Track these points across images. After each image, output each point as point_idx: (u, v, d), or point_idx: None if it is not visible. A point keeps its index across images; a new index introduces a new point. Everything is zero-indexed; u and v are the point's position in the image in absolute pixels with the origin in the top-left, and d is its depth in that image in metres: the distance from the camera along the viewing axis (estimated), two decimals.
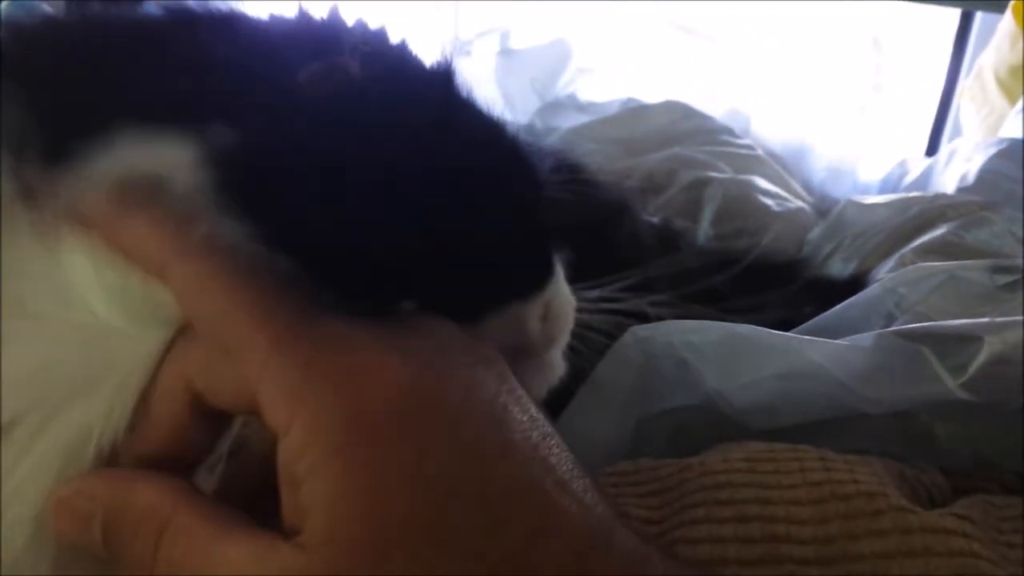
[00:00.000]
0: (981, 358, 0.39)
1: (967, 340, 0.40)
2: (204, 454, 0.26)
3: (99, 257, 0.24)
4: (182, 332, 0.25)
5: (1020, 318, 0.40)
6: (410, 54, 0.30)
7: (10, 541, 0.24)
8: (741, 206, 0.81)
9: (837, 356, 0.41)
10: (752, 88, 1.09)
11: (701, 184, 0.83)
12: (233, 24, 0.28)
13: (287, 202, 0.24)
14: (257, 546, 0.21)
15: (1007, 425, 0.38)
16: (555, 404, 0.29)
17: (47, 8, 0.99)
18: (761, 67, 1.09)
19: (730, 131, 0.98)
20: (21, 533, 0.24)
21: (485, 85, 1.08)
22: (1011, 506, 0.34)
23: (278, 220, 0.23)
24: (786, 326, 0.47)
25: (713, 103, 1.06)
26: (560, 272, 0.31)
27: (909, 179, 0.98)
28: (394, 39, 0.29)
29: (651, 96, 1.07)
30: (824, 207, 0.88)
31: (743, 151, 0.94)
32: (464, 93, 0.30)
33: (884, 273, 0.63)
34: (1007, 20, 1.23)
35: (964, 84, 1.35)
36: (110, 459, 0.24)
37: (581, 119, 1.03)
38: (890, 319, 0.49)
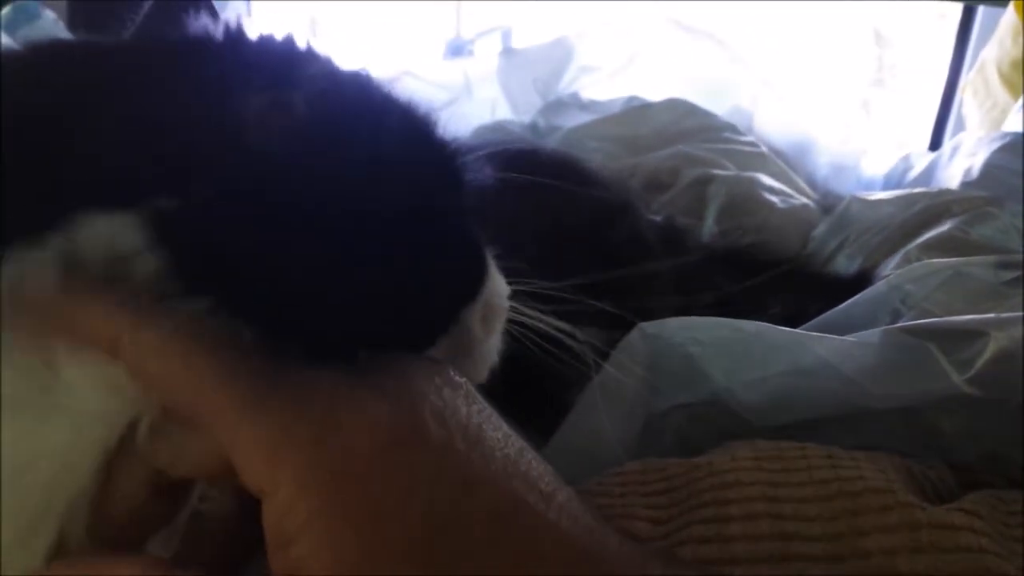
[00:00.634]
0: (987, 354, 0.39)
1: (973, 336, 0.40)
2: (162, 525, 0.25)
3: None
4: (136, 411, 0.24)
5: None
6: (363, 81, 0.29)
7: None
8: (745, 203, 0.81)
9: (844, 352, 0.41)
10: (755, 85, 1.09)
11: (705, 182, 0.83)
12: (177, 65, 0.27)
13: (235, 265, 0.23)
14: None
15: (1013, 420, 0.38)
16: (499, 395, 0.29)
17: (48, 13, 0.98)
18: (764, 63, 1.09)
19: (733, 128, 0.98)
20: None
21: (487, 85, 1.09)
22: (1019, 501, 0.34)
23: (227, 285, 0.23)
24: (792, 323, 0.47)
25: (716, 100, 1.06)
26: (492, 265, 0.31)
27: (913, 174, 0.98)
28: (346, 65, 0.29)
29: (654, 94, 1.07)
30: (828, 203, 0.88)
31: (746, 148, 0.94)
32: (405, 121, 0.29)
33: (889, 270, 0.63)
34: (1009, 14, 1.23)
35: (967, 78, 1.35)
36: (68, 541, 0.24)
37: (584, 118, 1.03)
38: (896, 315, 0.49)
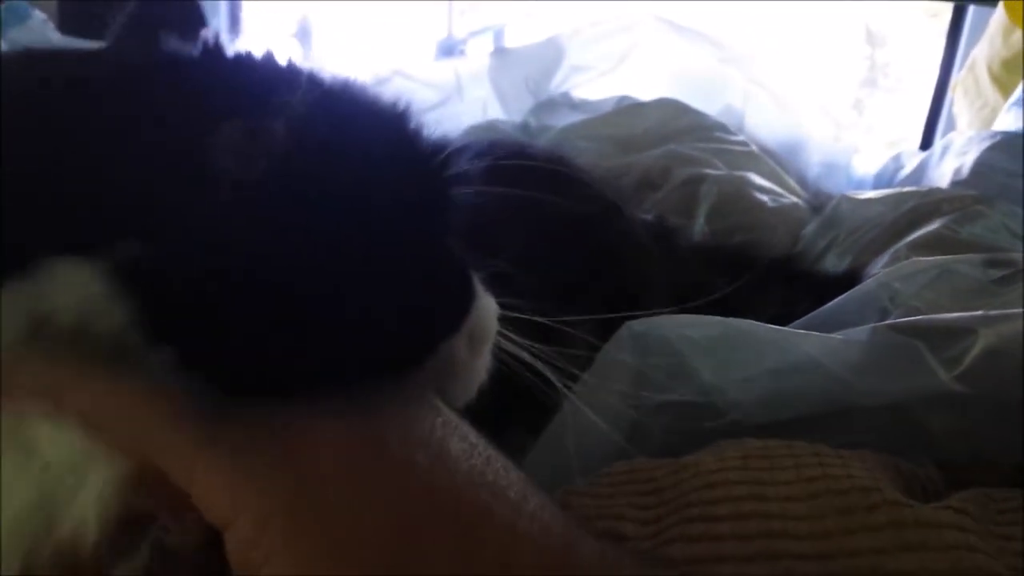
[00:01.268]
0: (975, 351, 0.39)
1: (961, 333, 0.40)
2: (124, 557, 0.24)
3: None
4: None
5: (1013, 311, 0.40)
6: (348, 96, 0.28)
7: None
8: (736, 202, 0.81)
9: (832, 350, 0.41)
10: (746, 84, 1.09)
11: (696, 181, 0.83)
12: (147, 91, 0.25)
13: (205, 311, 0.22)
14: None
15: (1001, 418, 0.38)
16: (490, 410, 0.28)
17: (38, 14, 0.98)
18: (755, 63, 1.09)
19: (724, 128, 0.98)
20: None
21: (479, 84, 1.09)
22: (1008, 499, 0.34)
23: (195, 332, 0.22)
24: (782, 321, 0.47)
25: (707, 100, 1.06)
26: (479, 287, 0.30)
27: (904, 173, 0.98)
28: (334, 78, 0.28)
29: (645, 94, 1.07)
30: (819, 202, 0.88)
31: (737, 147, 0.94)
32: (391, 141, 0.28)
33: (879, 268, 0.63)
34: (999, 13, 1.24)
35: (957, 77, 1.35)
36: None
37: (575, 117, 1.03)
38: (884, 314, 0.49)
